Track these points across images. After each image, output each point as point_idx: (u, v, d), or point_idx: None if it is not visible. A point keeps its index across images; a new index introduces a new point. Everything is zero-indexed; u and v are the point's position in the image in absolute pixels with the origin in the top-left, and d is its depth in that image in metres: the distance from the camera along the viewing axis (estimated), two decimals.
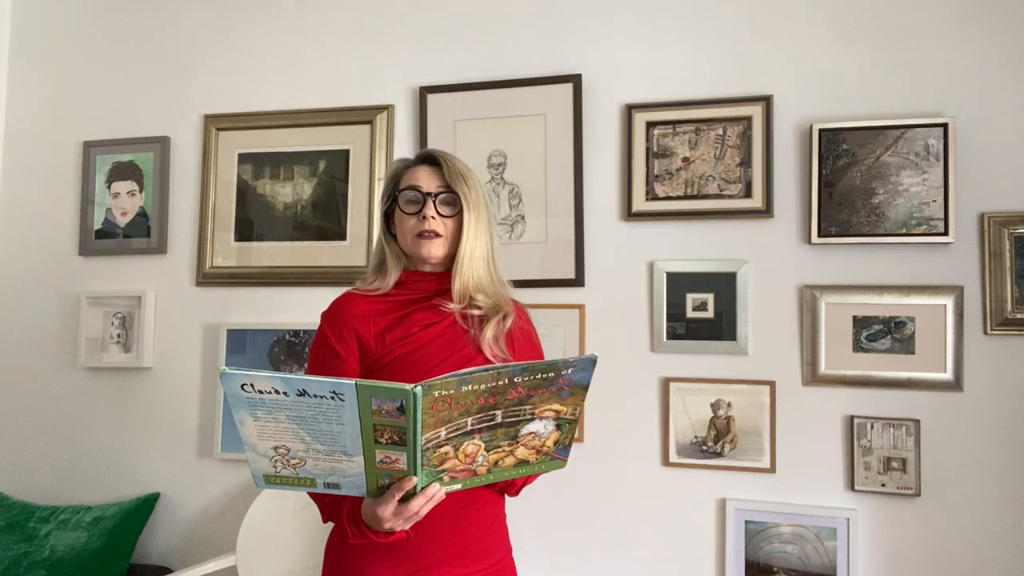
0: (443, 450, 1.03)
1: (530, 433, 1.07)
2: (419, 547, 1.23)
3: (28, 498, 2.44)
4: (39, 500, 2.43)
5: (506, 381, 1.00)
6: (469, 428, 1.02)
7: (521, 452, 1.09)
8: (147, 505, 2.28)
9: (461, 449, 1.04)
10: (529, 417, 1.05)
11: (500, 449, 1.07)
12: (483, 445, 1.05)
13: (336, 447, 1.01)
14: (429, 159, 1.35)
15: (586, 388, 1.06)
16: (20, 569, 2.14)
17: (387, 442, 1.00)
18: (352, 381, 0.96)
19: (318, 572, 2.06)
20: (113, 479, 2.40)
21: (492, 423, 1.03)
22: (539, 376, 1.02)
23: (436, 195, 1.30)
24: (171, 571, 2.24)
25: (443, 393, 0.97)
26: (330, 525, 1.36)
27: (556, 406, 1.06)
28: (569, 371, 1.03)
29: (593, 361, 1.04)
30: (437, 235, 1.29)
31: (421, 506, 1.07)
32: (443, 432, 1.01)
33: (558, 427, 1.09)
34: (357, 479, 1.05)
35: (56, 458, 2.46)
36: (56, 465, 2.46)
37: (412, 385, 0.95)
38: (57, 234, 2.51)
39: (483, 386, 0.99)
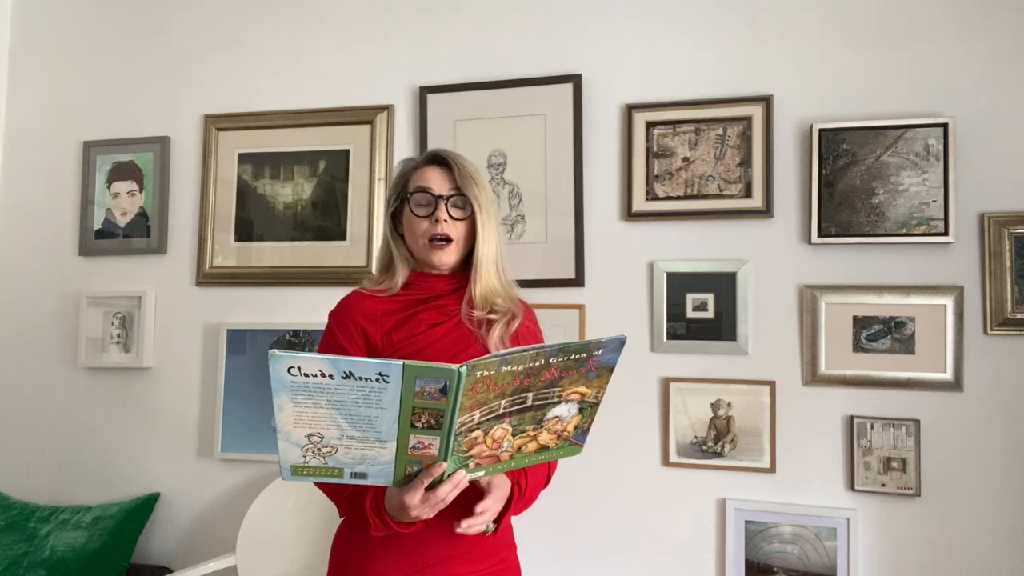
0: (474, 434, 1.05)
1: (554, 417, 1.10)
2: (424, 545, 1.23)
3: (28, 498, 2.43)
4: (39, 500, 2.43)
5: (543, 362, 1.03)
6: (501, 411, 1.05)
7: (543, 437, 1.12)
8: (147, 505, 2.28)
9: (490, 434, 1.07)
10: (556, 400, 1.08)
11: (525, 434, 1.10)
12: (511, 429, 1.08)
13: (371, 433, 1.03)
14: (438, 160, 1.34)
15: (611, 370, 1.09)
16: (20, 569, 2.14)
17: (423, 426, 1.02)
18: (400, 362, 0.97)
19: (318, 572, 2.06)
20: (113, 479, 2.40)
21: (522, 406, 1.06)
22: (572, 357, 1.05)
23: (448, 198, 1.30)
24: (171, 571, 2.24)
25: (484, 374, 0.99)
26: (333, 524, 1.36)
27: (582, 388, 1.09)
28: (600, 351, 1.06)
29: (622, 342, 1.07)
30: (449, 240, 1.30)
31: (448, 492, 1.08)
32: (477, 415, 1.03)
33: (580, 411, 1.12)
34: (385, 468, 1.07)
35: (56, 458, 2.46)
36: (56, 465, 2.46)
37: (457, 365, 0.97)
38: (57, 234, 2.51)
39: (521, 367, 1.01)
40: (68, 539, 2.19)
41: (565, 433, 1.13)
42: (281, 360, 0.97)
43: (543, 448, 1.13)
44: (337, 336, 1.31)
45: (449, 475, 1.08)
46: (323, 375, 0.98)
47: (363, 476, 1.08)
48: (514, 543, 1.39)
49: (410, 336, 1.28)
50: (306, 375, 0.98)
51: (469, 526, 1.13)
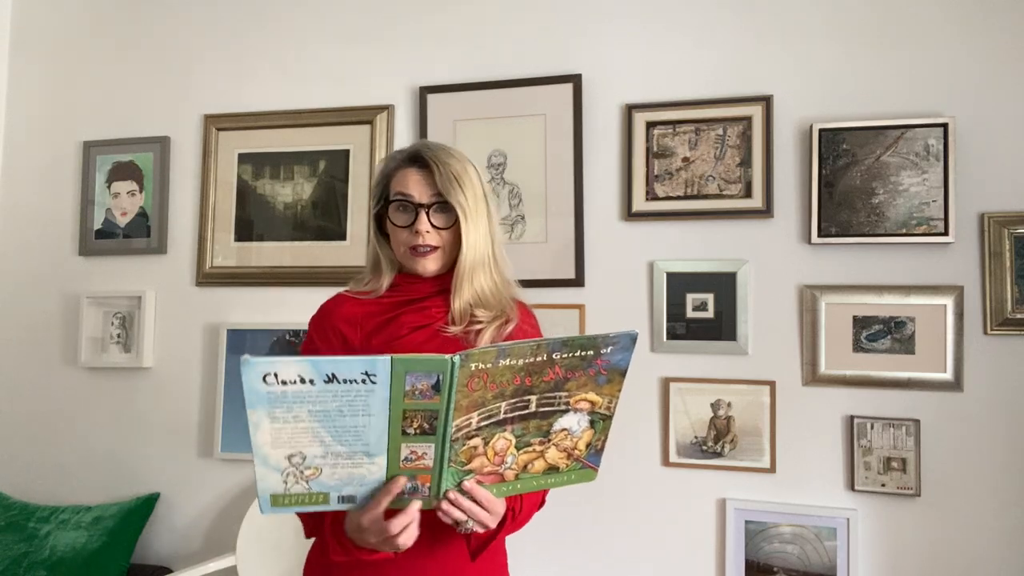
0: (472, 443, 0.97)
1: (563, 430, 1.01)
2: (403, 571, 1.13)
3: (28, 498, 2.43)
4: (39, 500, 2.43)
5: (544, 357, 0.94)
6: (502, 416, 0.96)
7: (552, 455, 1.03)
8: (147, 505, 2.28)
9: (491, 444, 0.98)
10: (564, 407, 0.99)
11: (531, 448, 1.01)
12: (514, 441, 0.99)
13: (358, 446, 0.94)
14: (419, 160, 1.22)
15: (623, 374, 1.00)
16: (20, 569, 2.14)
17: (416, 432, 0.93)
18: (387, 356, 0.89)
19: None
20: (113, 479, 2.40)
21: (525, 411, 0.98)
22: (578, 354, 0.96)
23: (429, 206, 1.19)
24: (171, 571, 2.24)
25: (480, 367, 0.91)
26: None
27: (592, 396, 1.00)
28: (608, 349, 0.97)
29: (633, 339, 0.97)
30: (432, 249, 1.20)
31: (400, 527, 0.97)
32: (475, 419, 0.95)
33: (591, 424, 1.03)
34: (375, 488, 0.97)
35: (56, 458, 2.46)
36: (56, 465, 2.46)
37: (450, 356, 0.90)
38: (57, 234, 2.51)
39: (521, 361, 0.93)
40: (68, 539, 2.19)
41: (576, 451, 1.03)
42: (255, 367, 0.86)
43: (552, 469, 1.03)
44: (315, 341, 1.24)
45: (445, 492, 0.97)
46: (303, 381, 0.88)
47: (352, 500, 0.97)
48: (507, 571, 1.29)
49: (391, 340, 1.19)
50: (284, 383, 0.87)
51: (447, 511, 1.00)
